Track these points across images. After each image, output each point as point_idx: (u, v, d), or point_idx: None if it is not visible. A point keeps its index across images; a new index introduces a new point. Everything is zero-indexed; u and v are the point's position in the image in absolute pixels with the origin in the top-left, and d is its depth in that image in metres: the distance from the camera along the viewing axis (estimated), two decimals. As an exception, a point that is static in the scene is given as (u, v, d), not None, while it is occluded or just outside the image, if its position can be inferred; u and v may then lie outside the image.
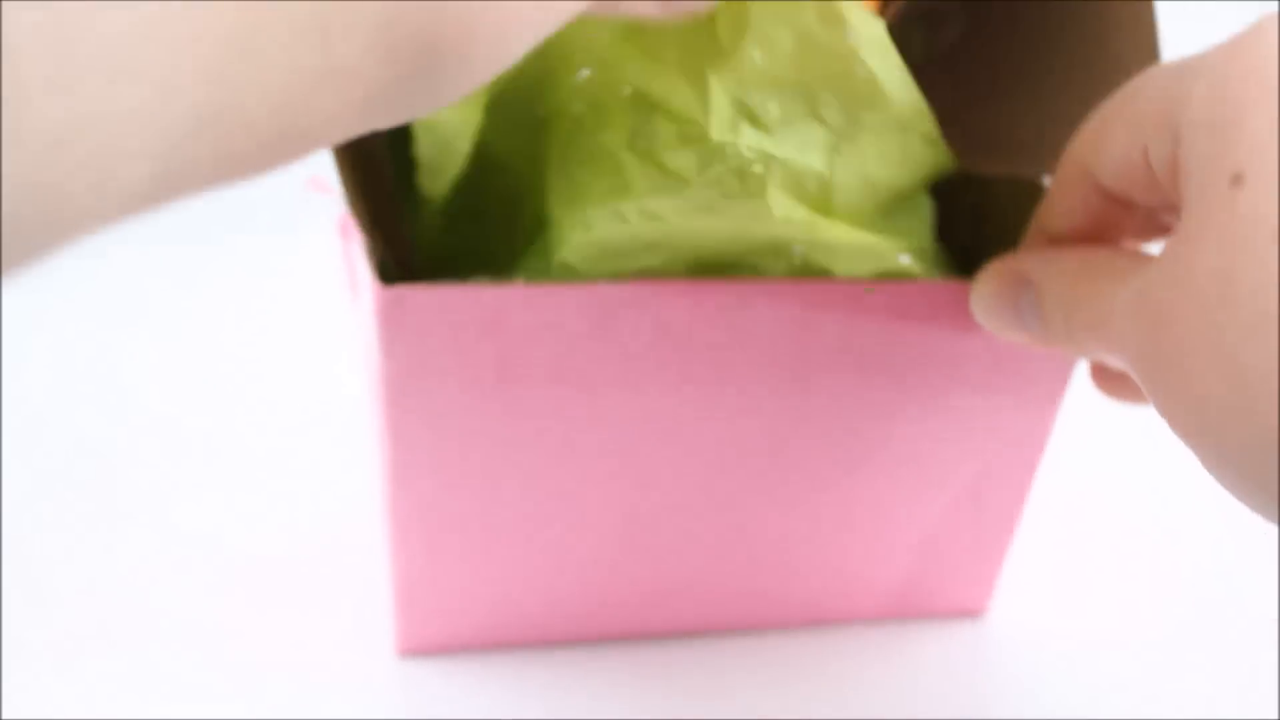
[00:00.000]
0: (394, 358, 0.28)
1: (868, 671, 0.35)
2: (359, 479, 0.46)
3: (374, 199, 0.30)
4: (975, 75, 0.40)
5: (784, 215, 0.27)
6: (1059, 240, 0.27)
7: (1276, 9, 0.21)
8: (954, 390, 0.31)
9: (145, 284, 0.60)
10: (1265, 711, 0.34)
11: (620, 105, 0.29)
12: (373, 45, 0.17)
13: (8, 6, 0.13)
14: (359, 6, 0.17)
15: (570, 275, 0.29)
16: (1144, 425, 0.55)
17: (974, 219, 0.35)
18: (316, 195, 0.70)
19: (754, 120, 0.28)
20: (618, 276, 0.29)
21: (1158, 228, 0.27)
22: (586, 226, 0.29)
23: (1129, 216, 0.26)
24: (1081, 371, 0.60)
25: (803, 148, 0.28)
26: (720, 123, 0.27)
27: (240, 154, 0.16)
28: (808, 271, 0.29)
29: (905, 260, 0.29)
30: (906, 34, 0.35)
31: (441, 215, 0.34)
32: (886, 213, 0.30)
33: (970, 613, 0.37)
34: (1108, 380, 0.30)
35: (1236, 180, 0.19)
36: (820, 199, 0.28)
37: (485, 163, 0.32)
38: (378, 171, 0.31)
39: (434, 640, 0.34)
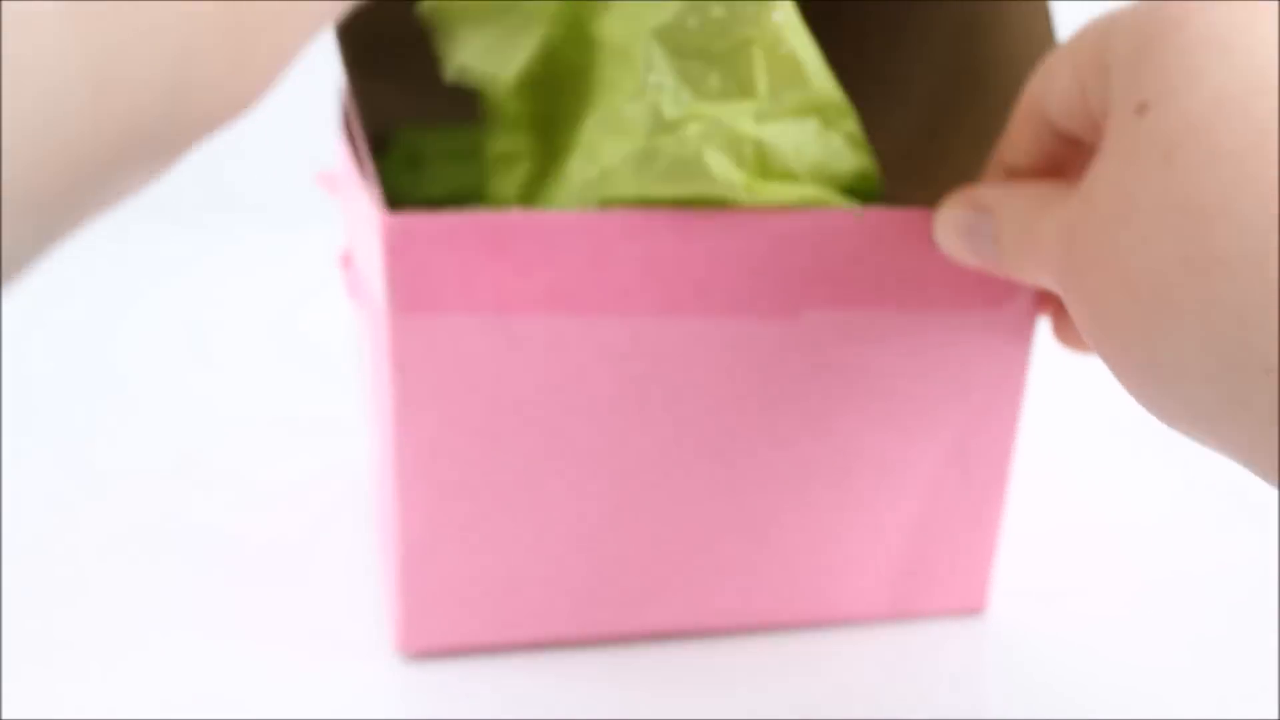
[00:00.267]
0: (399, 289, 0.29)
1: (870, 673, 0.36)
2: (358, 476, 0.47)
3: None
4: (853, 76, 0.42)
5: (723, 176, 0.29)
6: (1016, 175, 0.29)
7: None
8: (929, 318, 0.33)
9: (152, 278, 0.61)
10: (1267, 710, 0.35)
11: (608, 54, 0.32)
12: None
13: None
14: None
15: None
16: (1140, 418, 0.56)
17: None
18: (322, 192, 0.71)
19: (695, 87, 0.30)
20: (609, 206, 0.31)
21: None
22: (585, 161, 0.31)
23: (1078, 154, 0.28)
24: (1074, 374, 0.62)
25: (738, 115, 0.30)
26: (662, 87, 0.30)
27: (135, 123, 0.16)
28: None
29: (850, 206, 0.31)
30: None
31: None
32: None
33: (970, 609, 0.37)
34: (1064, 331, 0.31)
35: (1141, 108, 0.21)
36: (757, 165, 0.30)
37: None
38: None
39: (435, 637, 0.34)
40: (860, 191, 0.32)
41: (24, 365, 0.54)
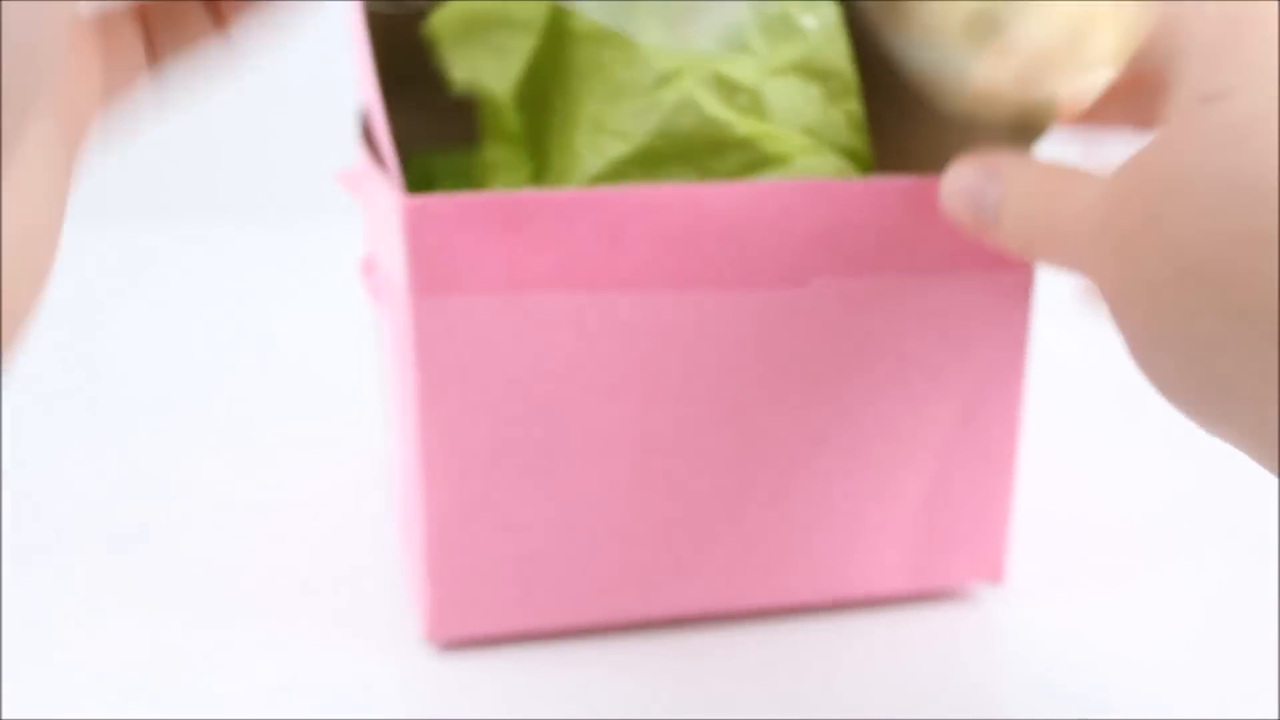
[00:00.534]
0: (419, 270, 0.30)
1: (888, 656, 0.36)
2: (376, 474, 0.47)
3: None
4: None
5: (714, 112, 0.31)
6: None
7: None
8: (933, 281, 0.33)
9: (167, 273, 0.62)
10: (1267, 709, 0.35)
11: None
12: None
13: None
14: None
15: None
16: (1158, 408, 0.57)
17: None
18: (343, 190, 0.72)
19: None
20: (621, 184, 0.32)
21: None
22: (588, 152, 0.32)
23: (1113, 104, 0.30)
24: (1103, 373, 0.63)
25: (735, 66, 0.31)
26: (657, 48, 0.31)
27: None
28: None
29: (840, 164, 0.33)
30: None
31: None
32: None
33: (989, 577, 0.38)
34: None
35: (1212, 97, 0.23)
36: (754, 113, 0.31)
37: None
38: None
39: (463, 624, 0.34)
40: (848, 174, 0.33)
41: (29, 354, 0.54)
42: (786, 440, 0.34)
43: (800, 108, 0.32)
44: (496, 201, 0.30)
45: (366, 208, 0.42)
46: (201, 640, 0.35)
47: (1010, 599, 0.38)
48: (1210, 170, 0.21)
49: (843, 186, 0.32)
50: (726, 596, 0.36)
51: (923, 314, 0.34)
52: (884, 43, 0.38)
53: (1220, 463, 0.49)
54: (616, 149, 0.32)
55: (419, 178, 0.47)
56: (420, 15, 0.45)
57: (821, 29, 0.32)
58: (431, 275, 0.31)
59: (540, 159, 0.36)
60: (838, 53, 0.32)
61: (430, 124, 0.49)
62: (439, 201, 0.30)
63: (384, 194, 0.33)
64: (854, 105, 0.33)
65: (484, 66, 0.36)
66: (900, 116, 0.40)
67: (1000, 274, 0.34)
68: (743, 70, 0.32)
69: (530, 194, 0.30)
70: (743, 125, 0.31)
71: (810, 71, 0.32)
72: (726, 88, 0.31)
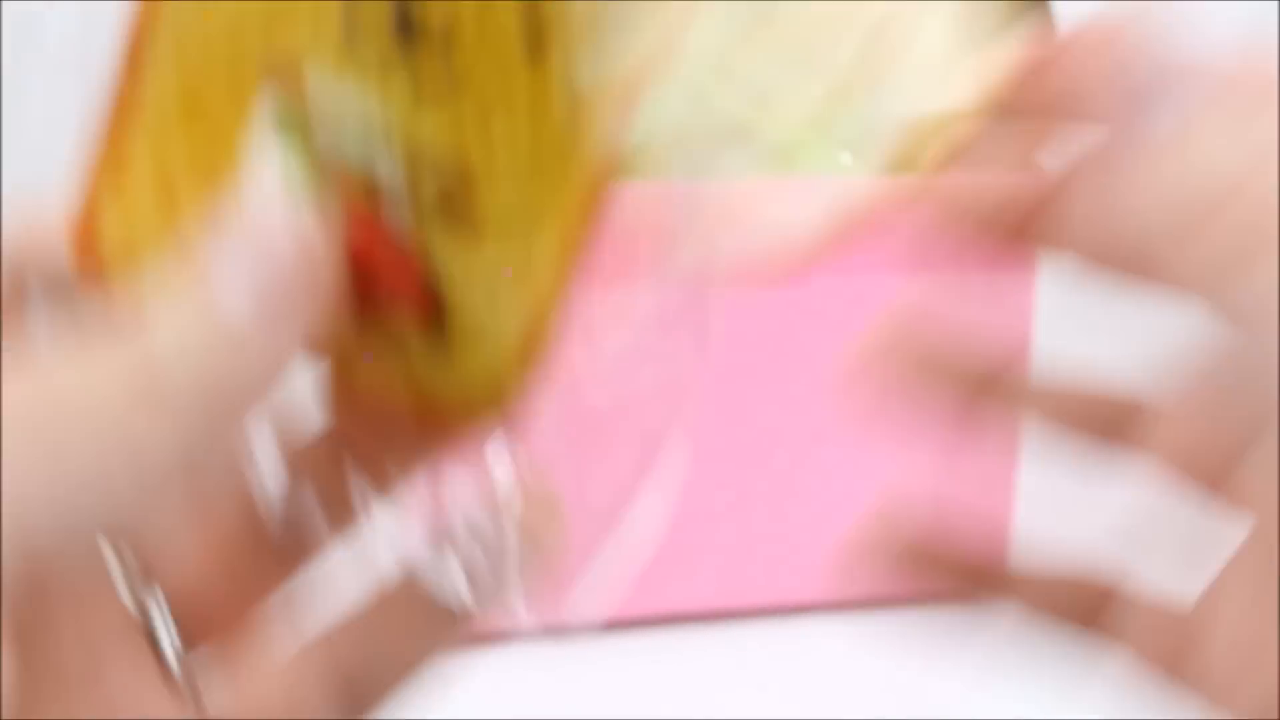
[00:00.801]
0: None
1: (888, 653, 0.36)
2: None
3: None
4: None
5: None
6: None
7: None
8: (935, 281, 0.33)
9: None
10: None
11: None
12: None
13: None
14: None
15: None
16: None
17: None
18: None
19: None
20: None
21: None
22: None
23: None
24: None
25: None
26: None
27: None
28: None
29: (845, 158, 0.33)
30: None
31: None
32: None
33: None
34: None
35: None
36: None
37: None
38: None
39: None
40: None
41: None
42: (787, 439, 0.34)
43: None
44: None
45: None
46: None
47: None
48: None
49: (842, 186, 0.32)
50: (726, 596, 0.36)
51: (923, 314, 0.34)
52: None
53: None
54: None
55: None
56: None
57: None
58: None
59: None
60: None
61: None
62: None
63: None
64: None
65: None
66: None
67: (1000, 274, 0.34)
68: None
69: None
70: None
71: None
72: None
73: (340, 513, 0.19)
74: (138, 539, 0.17)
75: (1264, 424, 0.19)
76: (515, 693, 0.33)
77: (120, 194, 0.17)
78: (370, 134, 0.17)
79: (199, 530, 0.18)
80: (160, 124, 0.17)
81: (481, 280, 0.17)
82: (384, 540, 0.19)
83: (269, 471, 0.18)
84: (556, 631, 0.20)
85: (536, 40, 0.17)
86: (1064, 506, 0.36)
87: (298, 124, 0.17)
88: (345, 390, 0.18)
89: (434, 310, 0.17)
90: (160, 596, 0.18)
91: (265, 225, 0.16)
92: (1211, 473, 0.22)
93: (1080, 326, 0.63)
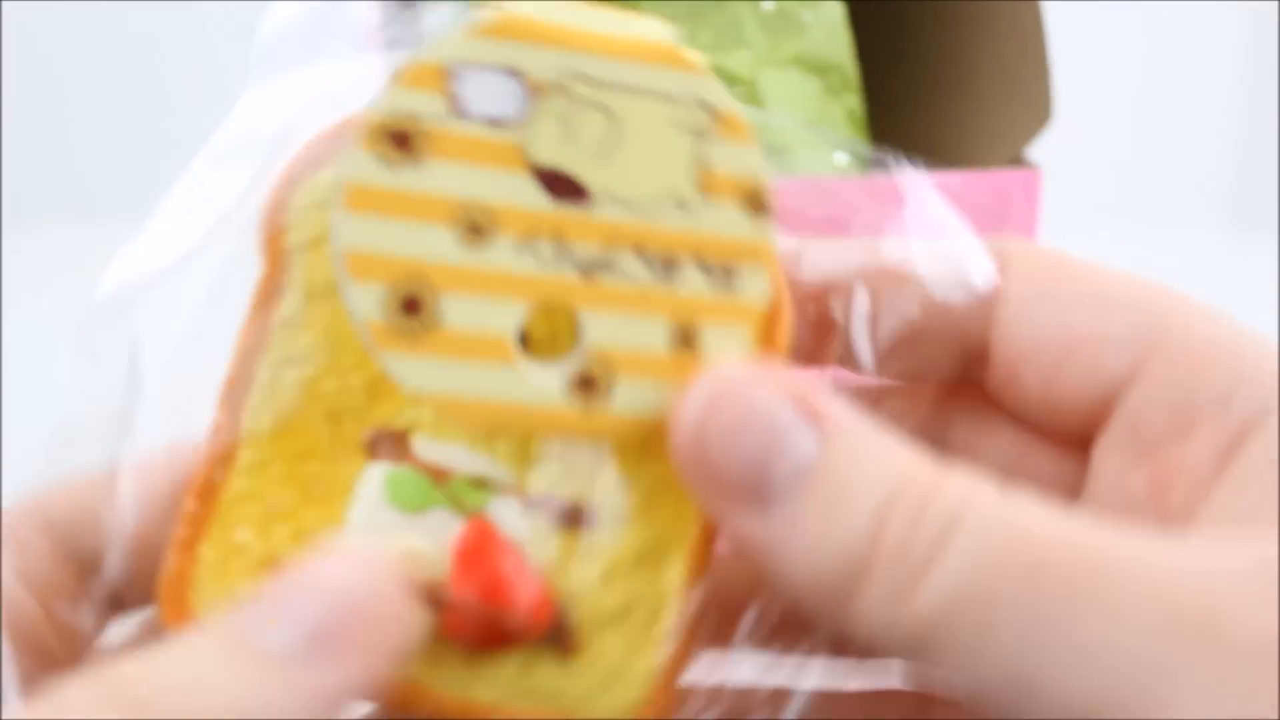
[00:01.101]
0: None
1: None
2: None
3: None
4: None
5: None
6: None
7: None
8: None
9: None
10: None
11: None
12: None
13: None
14: None
15: None
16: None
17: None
18: None
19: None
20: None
21: None
22: None
23: None
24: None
25: (730, 57, 0.31)
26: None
27: None
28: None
29: (840, 158, 0.32)
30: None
31: None
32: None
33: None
34: None
35: None
36: (749, 103, 0.31)
37: None
38: None
39: None
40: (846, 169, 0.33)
41: (29, 349, 0.54)
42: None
43: (798, 101, 0.32)
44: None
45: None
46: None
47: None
48: None
49: (842, 185, 0.32)
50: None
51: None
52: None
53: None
54: None
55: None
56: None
57: (822, 24, 0.32)
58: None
59: None
60: (839, 48, 0.32)
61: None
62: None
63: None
64: (854, 101, 0.33)
65: None
66: (903, 113, 0.40)
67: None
68: (739, 61, 0.32)
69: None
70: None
71: (810, 65, 0.32)
72: (722, 79, 0.31)
73: None
74: None
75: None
76: None
77: (210, 552, 0.17)
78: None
79: None
80: (258, 489, 0.17)
81: (609, 614, 0.17)
82: None
83: None
84: None
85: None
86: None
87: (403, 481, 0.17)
88: None
89: (561, 636, 0.17)
90: None
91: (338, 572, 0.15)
92: None
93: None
